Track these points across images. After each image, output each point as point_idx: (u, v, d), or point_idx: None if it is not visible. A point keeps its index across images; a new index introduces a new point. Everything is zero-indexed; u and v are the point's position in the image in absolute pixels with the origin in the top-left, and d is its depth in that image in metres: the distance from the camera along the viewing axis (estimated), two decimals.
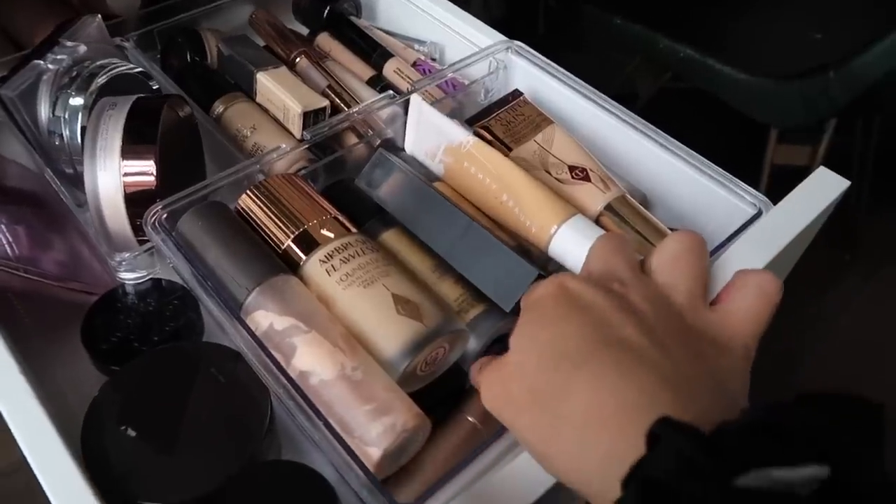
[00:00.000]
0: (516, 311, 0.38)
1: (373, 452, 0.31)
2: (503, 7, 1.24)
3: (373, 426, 0.32)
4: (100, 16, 0.51)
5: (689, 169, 0.46)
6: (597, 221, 0.44)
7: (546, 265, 0.41)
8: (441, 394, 0.39)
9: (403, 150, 0.49)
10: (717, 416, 0.22)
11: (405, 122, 0.48)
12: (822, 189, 0.41)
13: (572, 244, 0.40)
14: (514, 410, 0.26)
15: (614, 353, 0.24)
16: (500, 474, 0.31)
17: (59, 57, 0.45)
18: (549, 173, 0.47)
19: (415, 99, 0.45)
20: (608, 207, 0.44)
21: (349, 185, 0.46)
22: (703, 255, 0.28)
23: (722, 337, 0.26)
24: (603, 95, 0.51)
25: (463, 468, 0.31)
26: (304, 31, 0.63)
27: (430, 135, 0.45)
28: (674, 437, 0.20)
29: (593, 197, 0.44)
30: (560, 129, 0.49)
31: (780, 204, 0.40)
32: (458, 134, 0.44)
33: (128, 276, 0.41)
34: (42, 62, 0.45)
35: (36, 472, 0.31)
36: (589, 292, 0.27)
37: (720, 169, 0.46)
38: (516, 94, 0.53)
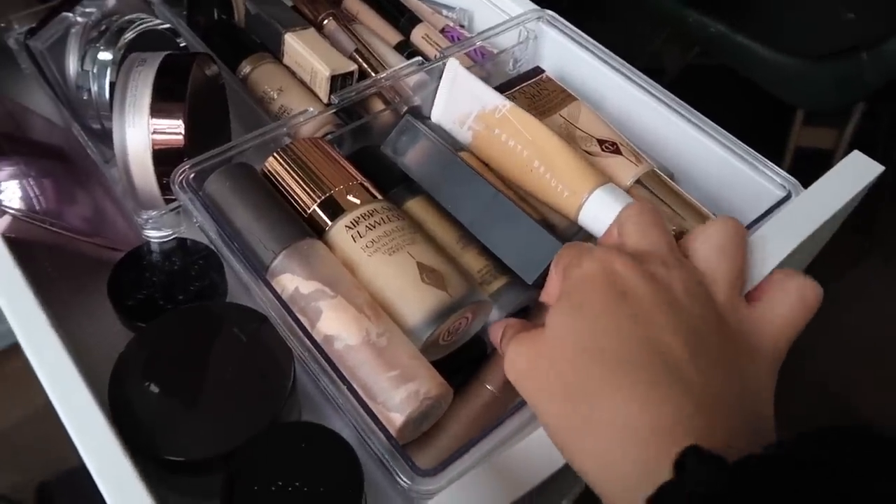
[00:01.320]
0: (539, 283, 0.39)
1: (395, 418, 0.32)
2: None
3: (396, 392, 0.32)
4: None
5: (719, 148, 0.46)
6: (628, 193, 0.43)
7: (571, 239, 0.41)
8: (461, 363, 0.39)
9: (429, 118, 0.48)
10: (746, 439, 0.22)
11: (435, 89, 0.47)
12: (854, 173, 0.40)
13: (605, 211, 0.39)
14: (543, 394, 0.26)
15: (654, 363, 0.24)
16: (521, 444, 0.31)
17: (87, 10, 0.45)
18: (578, 146, 0.46)
19: (451, 63, 0.45)
20: (639, 181, 0.43)
21: (375, 151, 0.45)
22: (745, 247, 0.28)
23: (755, 337, 0.26)
24: (634, 70, 0.50)
25: (484, 437, 0.31)
26: None
27: (462, 100, 0.45)
28: (698, 469, 0.20)
29: (625, 169, 0.44)
30: (585, 106, 0.49)
31: (812, 187, 0.40)
32: (494, 98, 0.43)
33: (153, 234, 0.41)
34: (71, 14, 0.45)
35: (66, 423, 0.32)
36: (635, 277, 0.26)
37: (750, 149, 0.45)
38: (538, 70, 0.52)
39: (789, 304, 0.26)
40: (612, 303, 0.25)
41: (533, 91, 0.50)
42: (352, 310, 0.35)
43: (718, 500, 0.20)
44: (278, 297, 0.35)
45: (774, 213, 0.40)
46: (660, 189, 0.43)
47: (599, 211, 0.39)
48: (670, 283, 0.26)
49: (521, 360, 0.27)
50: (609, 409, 0.24)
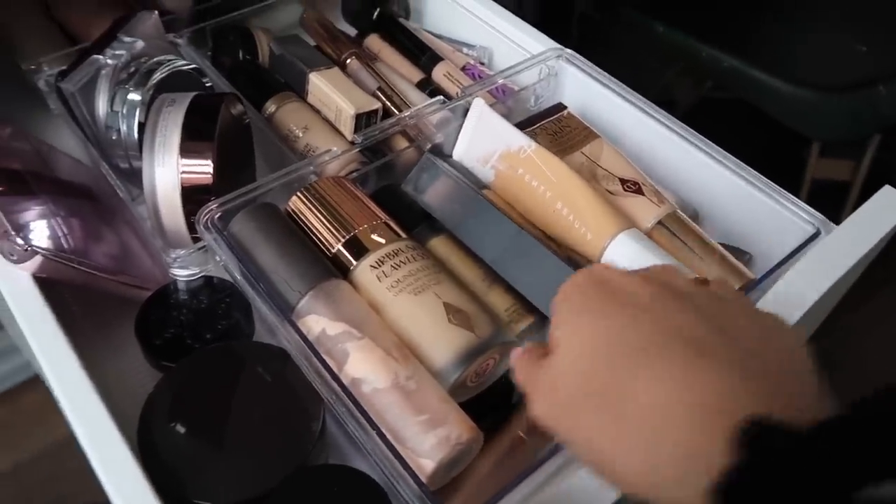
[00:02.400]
0: None
1: (426, 464, 0.31)
2: (536, 13, 1.23)
3: (426, 437, 0.32)
4: (156, 12, 0.51)
5: (742, 183, 0.46)
6: (649, 235, 0.43)
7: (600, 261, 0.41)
8: (488, 404, 0.39)
9: (451, 156, 0.49)
10: (804, 407, 0.20)
11: (457, 127, 0.48)
12: (887, 208, 0.40)
13: (627, 255, 0.39)
14: (570, 417, 0.24)
15: (677, 345, 0.22)
16: (553, 491, 0.30)
17: (117, 52, 0.46)
18: (600, 185, 0.46)
19: (478, 102, 0.45)
20: (661, 222, 0.43)
21: (398, 189, 0.46)
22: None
23: (778, 318, 0.24)
24: (654, 106, 0.50)
25: (517, 484, 0.30)
26: (353, 32, 0.64)
27: (487, 139, 0.45)
28: (768, 439, 0.18)
29: (646, 210, 0.44)
30: (607, 144, 0.49)
31: (844, 224, 0.39)
32: (519, 139, 0.43)
33: (181, 273, 0.42)
34: (101, 57, 0.46)
35: (94, 464, 0.32)
36: (629, 281, 0.25)
37: (774, 184, 0.45)
38: (560, 107, 0.52)
39: None
40: (610, 301, 0.24)
41: (555, 128, 0.50)
42: (379, 352, 0.35)
43: (803, 475, 0.17)
44: (305, 339, 0.35)
45: (804, 252, 0.39)
46: (681, 231, 0.43)
47: (622, 255, 0.39)
48: (669, 280, 0.25)
49: (544, 392, 0.25)
50: (643, 400, 0.22)
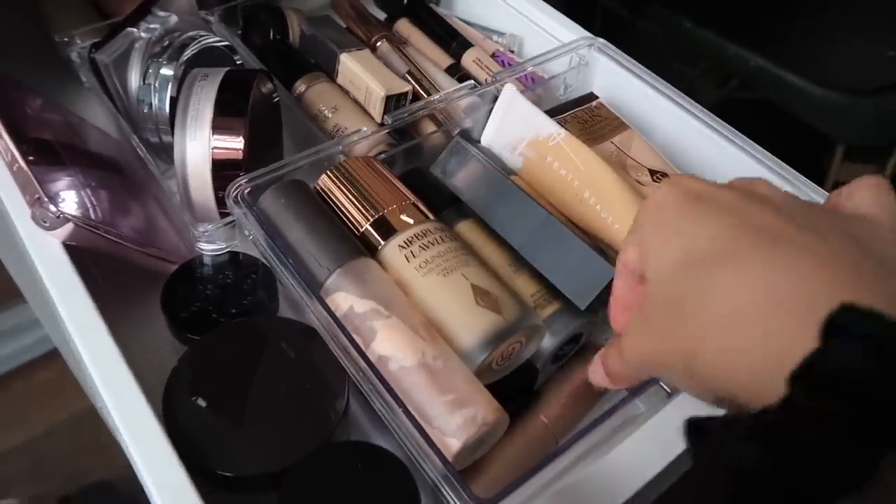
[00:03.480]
0: (592, 308, 0.38)
1: (452, 444, 0.31)
2: (560, 6, 1.23)
3: (452, 417, 0.32)
4: None
5: (776, 179, 0.45)
6: None
7: None
8: (512, 388, 0.39)
9: (479, 141, 0.48)
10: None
11: (486, 113, 0.47)
12: None
13: None
14: (661, 335, 0.24)
15: (763, 241, 0.22)
16: (580, 476, 0.30)
17: (151, 26, 0.46)
18: (629, 175, 0.46)
19: (508, 87, 0.45)
20: None
21: (425, 172, 0.45)
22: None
23: (865, 216, 0.23)
24: (687, 98, 0.50)
25: (543, 466, 0.30)
26: (382, 16, 0.63)
27: (516, 126, 0.45)
28: (862, 326, 0.18)
29: None
30: (638, 135, 0.48)
31: None
32: (549, 126, 0.43)
33: (207, 247, 0.42)
34: (135, 30, 0.46)
35: (122, 433, 0.32)
36: (711, 188, 0.25)
37: (807, 180, 0.44)
38: (592, 96, 0.52)
39: (881, 196, 0.24)
40: (701, 211, 0.24)
41: (585, 117, 0.50)
42: (407, 331, 0.34)
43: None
44: (333, 316, 0.35)
45: None
46: None
47: None
48: (750, 187, 0.25)
49: (639, 336, 0.25)
50: (727, 297, 0.21)
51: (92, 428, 0.31)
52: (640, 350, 0.25)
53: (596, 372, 0.28)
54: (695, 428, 0.21)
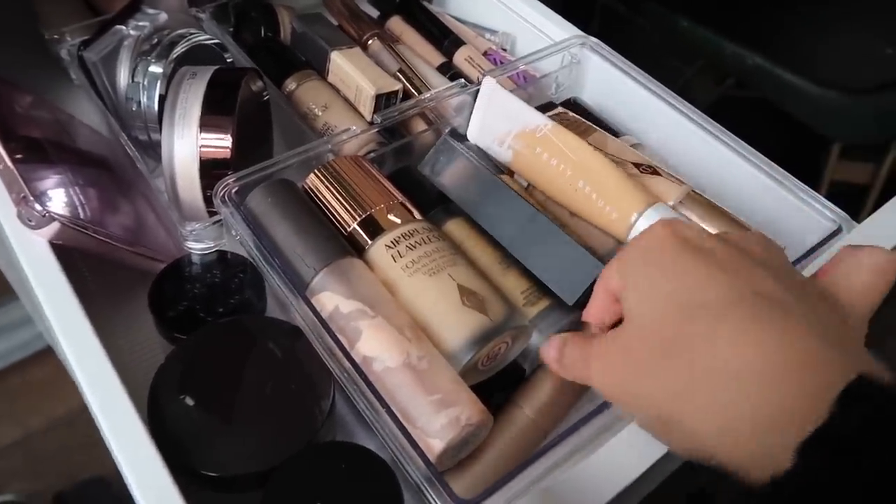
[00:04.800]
0: (580, 304, 0.38)
1: (435, 444, 0.31)
2: (558, 4, 1.22)
3: (436, 418, 0.32)
4: None
5: (766, 179, 0.45)
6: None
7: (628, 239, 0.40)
8: (499, 387, 0.39)
9: (468, 138, 0.48)
10: (881, 370, 0.20)
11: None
12: None
13: None
14: (636, 374, 0.24)
15: (761, 304, 0.22)
16: (565, 475, 0.30)
17: (140, 23, 0.46)
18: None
19: (487, 81, 0.44)
20: (683, 202, 0.42)
21: (414, 171, 0.45)
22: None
23: (839, 298, 0.24)
24: (678, 97, 0.49)
25: (526, 467, 0.30)
26: (375, 13, 0.63)
27: (499, 119, 0.44)
28: (872, 396, 0.19)
29: (668, 189, 0.43)
30: (610, 137, 0.48)
31: (865, 222, 0.39)
32: (535, 118, 0.43)
33: (195, 246, 0.41)
34: (124, 28, 0.45)
35: (105, 432, 0.32)
36: (708, 239, 0.25)
37: (798, 181, 0.44)
38: (551, 105, 0.52)
39: (865, 274, 0.25)
40: (696, 259, 0.24)
41: (555, 119, 0.49)
42: (392, 331, 0.34)
43: None
44: (318, 316, 0.35)
45: (824, 248, 0.39)
46: (706, 208, 0.42)
47: None
48: (739, 241, 0.25)
49: (611, 357, 0.25)
50: (724, 354, 0.21)
51: (86, 425, 0.31)
52: (612, 381, 0.25)
53: (549, 352, 0.29)
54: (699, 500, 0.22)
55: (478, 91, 0.49)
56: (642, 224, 0.38)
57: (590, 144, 0.42)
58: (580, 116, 0.50)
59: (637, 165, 0.45)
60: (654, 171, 0.44)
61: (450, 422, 0.31)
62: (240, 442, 0.33)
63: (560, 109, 0.50)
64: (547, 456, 0.31)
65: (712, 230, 0.41)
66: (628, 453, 0.32)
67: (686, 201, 0.43)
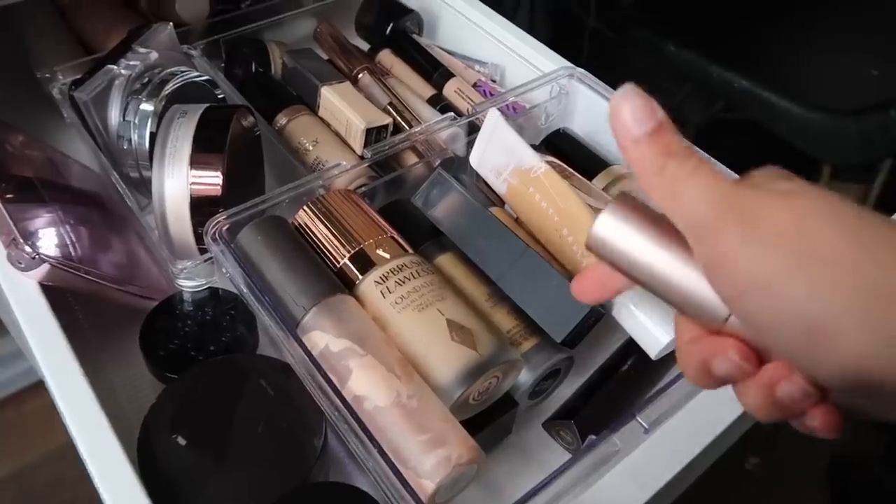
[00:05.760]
0: (568, 342, 0.38)
1: (427, 485, 0.31)
2: (549, 30, 1.24)
3: (427, 458, 0.31)
4: (171, 24, 0.52)
5: None
6: None
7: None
8: (491, 419, 0.39)
9: (462, 171, 0.48)
10: None
11: (467, 143, 0.48)
12: None
13: (626, 295, 0.39)
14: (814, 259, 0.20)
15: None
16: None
17: (131, 63, 0.46)
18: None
19: (492, 114, 0.45)
20: None
21: (406, 205, 0.46)
22: None
23: None
24: None
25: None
26: (366, 47, 0.64)
27: (499, 152, 0.45)
28: None
29: None
30: (594, 188, 0.48)
31: None
32: (530, 158, 0.43)
33: (187, 284, 0.42)
34: (115, 67, 0.46)
35: (93, 474, 0.31)
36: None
37: None
38: (556, 133, 0.52)
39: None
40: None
41: None
42: (382, 369, 0.34)
43: None
44: (309, 355, 0.35)
45: None
46: None
47: (620, 295, 0.39)
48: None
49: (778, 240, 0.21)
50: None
51: (80, 458, 0.31)
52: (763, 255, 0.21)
53: (642, 123, 0.24)
54: None
55: (468, 123, 0.50)
56: None
57: (578, 195, 0.42)
58: (566, 160, 0.50)
59: None
60: None
61: (439, 462, 0.31)
62: (231, 483, 0.33)
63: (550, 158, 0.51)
64: (540, 495, 0.31)
65: None
66: (620, 492, 0.32)
67: None
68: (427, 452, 0.32)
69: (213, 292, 0.43)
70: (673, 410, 0.34)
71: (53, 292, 0.40)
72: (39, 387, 1.08)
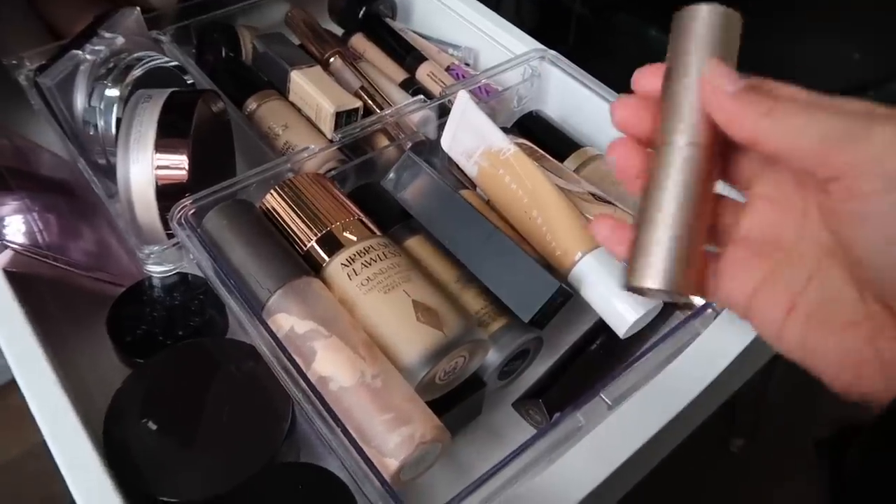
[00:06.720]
0: (535, 322, 0.38)
1: (390, 463, 0.31)
2: (535, 16, 1.23)
3: (391, 436, 0.32)
4: (138, 8, 0.51)
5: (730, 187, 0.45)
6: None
7: (568, 280, 0.41)
8: (458, 400, 0.39)
9: (433, 154, 0.48)
10: None
11: (438, 126, 0.47)
12: None
13: (594, 275, 0.39)
14: None
15: None
16: (520, 490, 0.30)
17: (97, 48, 0.46)
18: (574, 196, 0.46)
19: (462, 96, 0.45)
20: None
21: (377, 188, 0.46)
22: None
23: None
24: None
25: (482, 484, 0.30)
26: (339, 31, 0.64)
27: (469, 135, 0.45)
28: None
29: (622, 215, 0.44)
30: (566, 170, 0.49)
31: None
32: (500, 140, 0.43)
33: (155, 269, 0.41)
34: (80, 52, 0.45)
35: (57, 460, 0.31)
36: None
37: None
38: (530, 116, 0.52)
39: None
40: None
41: None
42: (347, 350, 0.34)
43: None
44: (274, 337, 0.35)
45: None
46: None
47: (588, 275, 0.39)
48: None
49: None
50: None
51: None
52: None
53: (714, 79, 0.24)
54: None
55: (439, 105, 0.50)
56: (580, 267, 0.39)
57: (548, 177, 0.42)
58: (538, 142, 0.50)
59: (592, 195, 0.46)
60: (608, 202, 0.45)
61: (403, 440, 0.31)
62: (198, 466, 0.33)
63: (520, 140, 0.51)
64: (504, 470, 0.31)
65: None
66: (583, 468, 0.33)
67: None
68: (391, 431, 0.32)
69: (183, 277, 0.43)
70: (636, 387, 0.35)
71: (21, 280, 0.40)
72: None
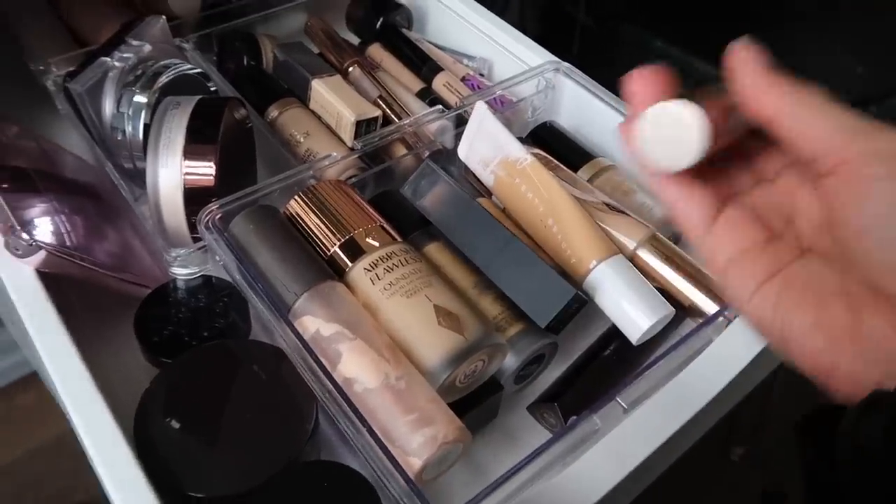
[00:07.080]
0: (552, 328, 0.39)
1: (414, 462, 0.32)
2: (539, 26, 1.25)
3: (414, 437, 0.33)
4: (164, 17, 0.52)
5: None
6: (634, 256, 0.43)
7: (583, 287, 0.42)
8: (477, 402, 0.40)
9: (450, 162, 0.50)
10: None
11: (454, 136, 0.49)
12: None
13: (608, 283, 0.40)
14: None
15: None
16: (536, 492, 0.31)
17: (125, 55, 0.47)
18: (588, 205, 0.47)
19: (480, 106, 0.46)
20: (647, 242, 0.43)
21: (396, 195, 0.47)
22: None
23: None
24: None
25: (498, 486, 0.31)
26: (356, 40, 0.65)
27: (487, 144, 0.46)
28: None
29: (632, 230, 0.44)
30: (580, 180, 0.49)
31: None
32: (516, 150, 0.44)
33: (181, 272, 0.42)
34: (109, 59, 0.47)
35: (92, 457, 0.32)
36: None
37: None
38: (543, 127, 0.53)
39: None
40: None
41: None
42: (371, 352, 0.35)
43: None
44: (301, 339, 0.36)
45: None
46: (668, 251, 0.43)
47: (603, 282, 0.40)
48: None
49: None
50: None
51: (73, 450, 0.31)
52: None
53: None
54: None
55: (457, 115, 0.51)
56: (595, 275, 0.40)
57: (563, 187, 0.43)
58: (552, 152, 0.51)
59: (607, 205, 0.46)
60: (621, 212, 0.46)
61: (427, 440, 0.32)
62: (224, 463, 0.34)
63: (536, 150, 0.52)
64: (521, 473, 0.32)
65: (672, 276, 0.42)
66: (598, 470, 0.34)
67: (648, 244, 0.43)
68: (414, 431, 0.33)
69: (207, 280, 0.44)
70: (652, 391, 0.36)
71: (49, 280, 0.41)
72: (30, 380, 1.08)
